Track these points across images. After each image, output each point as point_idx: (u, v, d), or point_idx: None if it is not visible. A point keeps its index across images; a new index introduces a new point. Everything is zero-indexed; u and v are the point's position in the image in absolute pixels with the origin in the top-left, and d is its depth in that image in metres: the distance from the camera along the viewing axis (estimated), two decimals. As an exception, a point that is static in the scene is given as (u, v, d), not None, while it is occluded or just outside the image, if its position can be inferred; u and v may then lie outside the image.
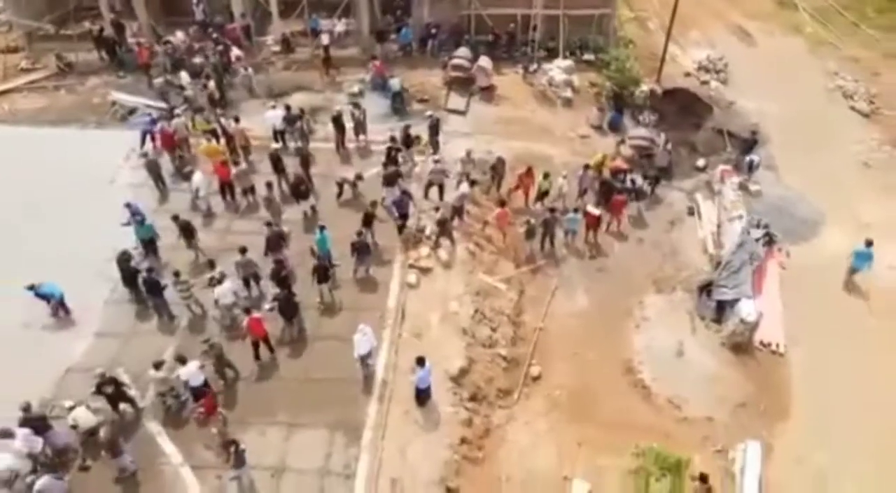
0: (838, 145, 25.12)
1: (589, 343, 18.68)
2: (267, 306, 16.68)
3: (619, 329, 19.22)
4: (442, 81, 26.34)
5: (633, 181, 21.94)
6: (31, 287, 16.74)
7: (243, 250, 16.76)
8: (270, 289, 17.17)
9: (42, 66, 27.40)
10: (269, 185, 19.17)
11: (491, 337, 17.79)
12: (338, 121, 21.39)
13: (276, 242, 17.29)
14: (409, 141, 21.39)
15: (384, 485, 14.10)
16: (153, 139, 21.60)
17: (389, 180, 19.54)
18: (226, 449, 13.33)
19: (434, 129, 21.59)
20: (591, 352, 18.49)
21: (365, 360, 15.54)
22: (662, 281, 20.48)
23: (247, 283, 17.19)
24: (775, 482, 15.69)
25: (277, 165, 19.95)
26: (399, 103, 24.44)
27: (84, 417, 14.11)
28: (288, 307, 16.04)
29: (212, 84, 23.60)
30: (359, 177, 19.75)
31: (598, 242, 21.15)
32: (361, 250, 17.57)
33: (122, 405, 14.82)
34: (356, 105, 22.13)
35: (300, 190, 19.00)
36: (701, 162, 23.96)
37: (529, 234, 20.22)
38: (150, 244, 18.18)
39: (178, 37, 26.49)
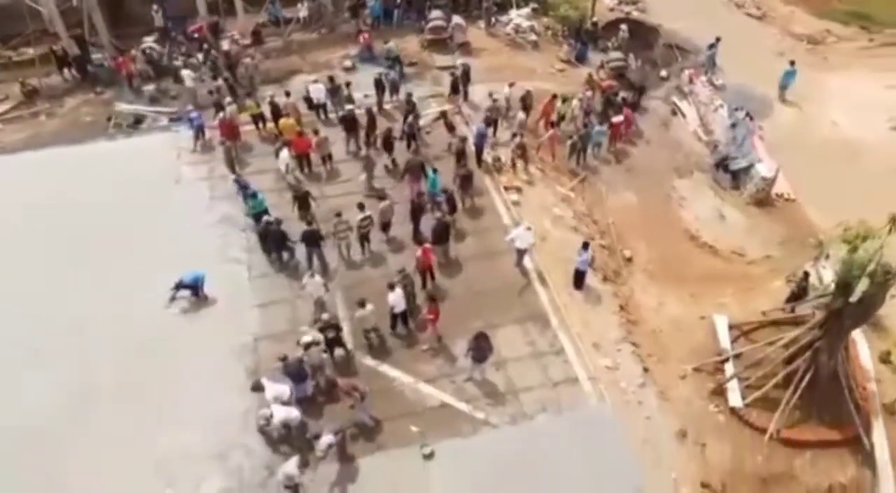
0: (752, 44, 30.39)
1: (651, 225, 22.01)
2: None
3: (667, 210, 22.79)
4: (420, 45, 28.38)
5: (624, 98, 25.44)
6: (178, 285, 17.07)
7: (382, 197, 18.19)
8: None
9: (3, 97, 25.84)
10: (367, 143, 20.22)
11: (588, 232, 20.58)
12: (379, 83, 22.93)
13: (417, 170, 18.94)
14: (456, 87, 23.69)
15: (590, 350, 16.56)
16: (203, 134, 21.89)
17: (451, 126, 21.63)
18: (476, 343, 15.05)
19: (466, 75, 23.76)
20: (657, 231, 21.85)
21: (523, 255, 17.79)
22: (680, 168, 24.34)
23: (384, 228, 18.58)
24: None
25: (350, 127, 21.18)
26: (399, 66, 26.13)
27: (316, 354, 15.26)
28: (444, 232, 17.78)
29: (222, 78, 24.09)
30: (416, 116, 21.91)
31: (618, 149, 24.49)
32: (466, 180, 19.59)
33: (338, 350, 15.92)
34: (391, 67, 23.72)
35: (390, 143, 20.50)
36: (664, 73, 28.14)
37: (573, 149, 23.06)
38: (260, 216, 18.79)
39: (150, 44, 26.27)
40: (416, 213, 18.53)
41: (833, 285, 14.81)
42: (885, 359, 17.85)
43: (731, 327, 17.90)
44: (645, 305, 18.97)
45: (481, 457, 14.45)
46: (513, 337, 16.75)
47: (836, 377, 15.76)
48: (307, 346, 14.99)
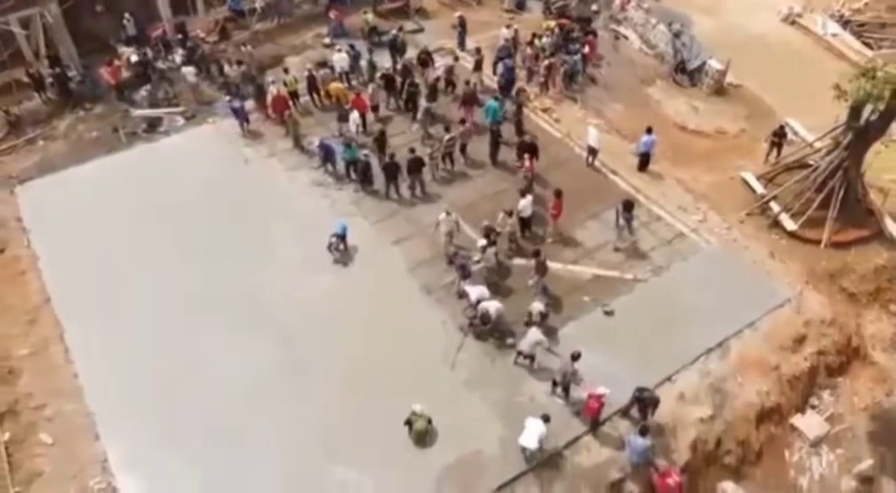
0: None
1: (647, 125, 25.88)
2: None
3: (652, 110, 26.67)
4: (379, 15, 30.18)
5: (584, 29, 29.16)
6: (334, 237, 18.40)
7: (463, 121, 20.97)
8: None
9: (-13, 130, 24.44)
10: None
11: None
12: (394, 44, 24.81)
13: (473, 99, 21.99)
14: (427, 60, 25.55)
15: (679, 212, 20.15)
16: (247, 120, 22.67)
17: (477, 67, 24.22)
18: (626, 209, 18.08)
19: (463, 27, 26.22)
20: (654, 129, 25.79)
21: (596, 153, 20.93)
22: (645, 79, 28.49)
23: (462, 150, 21.36)
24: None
25: (391, 84, 23.02)
26: (377, 36, 27.97)
27: (491, 255, 17.74)
28: (532, 148, 20.42)
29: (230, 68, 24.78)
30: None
31: (590, 73, 28.15)
32: (519, 108, 22.34)
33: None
34: (401, 28, 25.62)
35: (434, 92, 22.76)
36: (594, 7, 32.21)
37: (566, 75, 26.36)
38: (354, 164, 20.61)
39: (126, 55, 25.98)
40: (495, 138, 21.00)
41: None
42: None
43: (757, 178, 22.25)
44: (684, 179, 22.77)
45: (645, 305, 17.50)
46: (614, 216, 19.88)
47: (858, 188, 20.53)
48: (483, 249, 17.20)
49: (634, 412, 15.06)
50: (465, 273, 16.94)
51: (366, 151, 20.38)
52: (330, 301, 17.42)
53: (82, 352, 16.37)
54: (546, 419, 13.95)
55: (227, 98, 22.97)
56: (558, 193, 18.71)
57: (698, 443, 15.26)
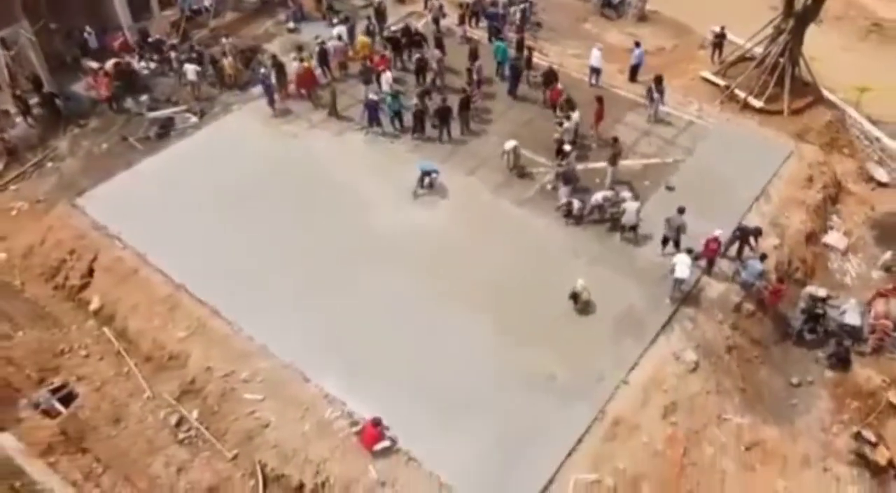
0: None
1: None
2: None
3: (598, 41, 30.60)
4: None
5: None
6: (425, 173, 20.46)
7: (473, 57, 24.01)
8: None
9: (-14, 163, 23.31)
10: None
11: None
12: (378, 9, 26.67)
13: (476, 51, 24.65)
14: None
15: (680, 107, 24.10)
16: (272, 102, 23.64)
17: (462, 20, 26.71)
18: (657, 84, 21.80)
19: (431, -8, 28.54)
20: (607, 56, 29.66)
21: (599, 73, 24.34)
22: (578, 18, 32.32)
23: (479, 85, 24.06)
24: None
25: (397, 45, 24.94)
26: (334, 14, 29.33)
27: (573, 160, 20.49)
28: (554, 76, 23.37)
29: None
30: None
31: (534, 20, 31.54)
32: (521, 43, 25.19)
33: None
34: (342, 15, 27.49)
35: (443, 49, 25.04)
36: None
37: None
38: (399, 115, 22.70)
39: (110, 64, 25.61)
40: (515, 73, 23.75)
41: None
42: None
43: (715, 74, 26.71)
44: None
45: (693, 178, 21.17)
46: (633, 118, 23.45)
47: (802, 64, 25.49)
48: (567, 154, 19.97)
49: (732, 251, 18.63)
50: (567, 180, 19.69)
51: (415, 101, 22.25)
52: (443, 226, 19.53)
53: (246, 317, 17.20)
54: (689, 251, 17.16)
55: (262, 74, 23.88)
56: (600, 99, 22.06)
57: (778, 265, 19.11)
